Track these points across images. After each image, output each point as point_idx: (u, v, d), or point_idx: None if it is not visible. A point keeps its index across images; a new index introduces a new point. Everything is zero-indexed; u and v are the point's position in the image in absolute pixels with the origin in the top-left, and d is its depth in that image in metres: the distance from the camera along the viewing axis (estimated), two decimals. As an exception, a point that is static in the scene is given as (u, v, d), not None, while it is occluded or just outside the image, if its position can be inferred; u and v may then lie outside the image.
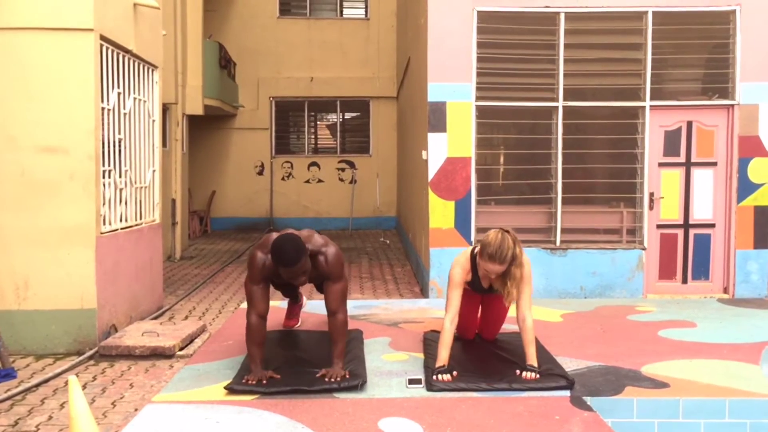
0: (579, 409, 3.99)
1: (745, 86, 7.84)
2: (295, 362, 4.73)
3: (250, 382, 4.28)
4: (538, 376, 4.34)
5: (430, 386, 4.30)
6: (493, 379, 4.34)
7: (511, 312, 4.83)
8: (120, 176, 7.07)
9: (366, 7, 17.58)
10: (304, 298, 6.02)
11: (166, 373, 5.71)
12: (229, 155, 17.28)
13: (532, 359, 4.44)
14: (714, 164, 8.02)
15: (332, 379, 4.30)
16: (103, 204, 6.58)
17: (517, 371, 4.42)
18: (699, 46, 8.14)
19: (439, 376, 4.33)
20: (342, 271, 4.60)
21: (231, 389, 4.25)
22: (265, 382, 4.27)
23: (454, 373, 4.38)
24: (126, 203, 7.21)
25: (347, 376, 4.34)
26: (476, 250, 4.64)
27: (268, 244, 4.43)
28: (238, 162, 17.28)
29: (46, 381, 5.49)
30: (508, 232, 4.47)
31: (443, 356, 4.42)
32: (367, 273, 10.79)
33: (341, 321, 4.52)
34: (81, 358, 6.06)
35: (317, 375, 4.37)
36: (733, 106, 7.91)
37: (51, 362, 6.04)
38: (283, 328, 5.77)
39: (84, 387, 5.32)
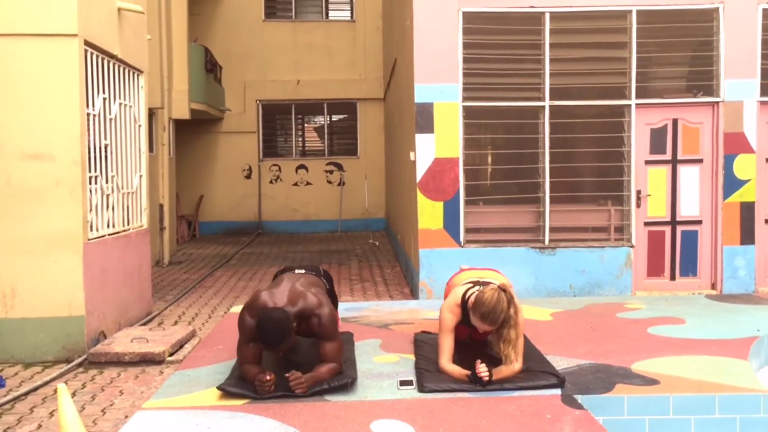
0: (570, 408, 4.01)
1: (729, 83, 7.89)
2: (286, 366, 4.72)
3: (266, 387, 4.18)
4: (488, 378, 4.27)
5: (422, 387, 4.30)
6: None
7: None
8: (107, 182, 7.04)
9: (352, 9, 17.58)
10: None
11: (156, 379, 5.69)
12: (217, 159, 17.23)
13: (500, 370, 4.37)
14: (700, 161, 8.07)
15: (292, 380, 4.19)
16: (90, 210, 6.55)
17: (478, 360, 4.35)
18: (683, 43, 8.19)
19: (482, 372, 4.25)
20: (336, 331, 4.47)
21: (224, 390, 4.23)
22: (270, 378, 4.20)
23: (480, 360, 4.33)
24: (113, 209, 7.17)
25: (302, 383, 4.23)
26: (468, 296, 4.52)
27: (255, 308, 4.31)
28: (225, 166, 17.23)
29: (35, 389, 5.46)
30: (504, 291, 4.34)
31: (461, 371, 4.39)
32: (357, 275, 10.79)
33: (335, 368, 4.41)
34: (70, 365, 6.02)
35: (286, 374, 4.26)
36: (717, 103, 7.96)
37: (40, 370, 6.00)
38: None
39: (73, 395, 5.29)
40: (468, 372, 4.36)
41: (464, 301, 4.56)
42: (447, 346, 4.56)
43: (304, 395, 4.19)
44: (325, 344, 4.41)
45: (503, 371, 4.37)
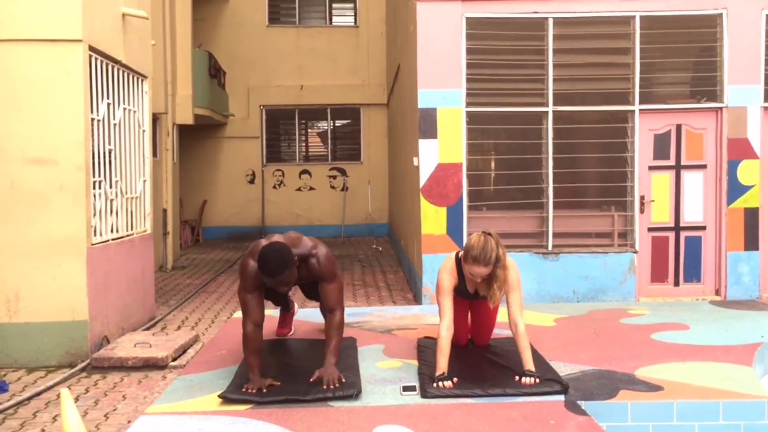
0: (574, 414, 3.99)
1: (733, 89, 7.88)
2: (288, 371, 4.71)
3: (250, 390, 4.25)
4: (538, 380, 4.33)
5: (425, 393, 4.29)
6: (487, 385, 4.33)
7: (504, 317, 4.82)
8: (110, 187, 7.05)
9: (355, 15, 17.61)
10: (296, 306, 6.01)
11: (159, 384, 5.68)
12: (220, 164, 17.25)
13: (529, 364, 4.43)
14: (704, 167, 8.06)
15: (328, 385, 4.26)
16: (94, 215, 6.56)
17: (516, 377, 4.41)
18: (687, 49, 8.19)
19: (440, 384, 4.31)
20: (335, 270, 4.64)
21: (225, 398, 4.23)
22: (265, 390, 4.25)
23: (455, 380, 4.36)
24: (117, 214, 7.18)
25: (342, 379, 4.32)
26: (460, 254, 4.69)
27: (257, 252, 4.43)
28: (229, 171, 17.26)
29: (38, 394, 5.46)
30: (490, 234, 4.54)
31: (442, 364, 4.40)
32: (360, 280, 10.78)
33: (339, 319, 4.58)
34: (73, 370, 6.02)
35: (311, 379, 4.35)
36: (721, 108, 7.95)
37: (43, 375, 6.00)
38: (275, 337, 5.75)
39: (76, 399, 5.29)
40: (444, 370, 4.35)
41: (458, 260, 4.71)
42: (447, 308, 4.59)
43: (308, 399, 4.18)
44: (325, 286, 4.57)
45: (526, 358, 4.43)
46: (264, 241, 4.54)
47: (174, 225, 12.75)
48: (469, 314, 5.11)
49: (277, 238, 4.63)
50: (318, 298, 4.82)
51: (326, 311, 4.61)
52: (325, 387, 4.28)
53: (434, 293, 7.72)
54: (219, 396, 4.26)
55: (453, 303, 4.66)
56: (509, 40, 7.92)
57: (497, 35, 7.89)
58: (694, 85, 8.22)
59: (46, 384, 5.64)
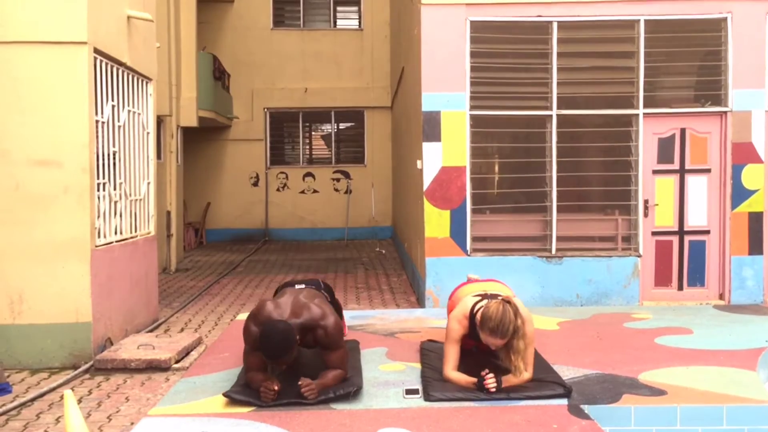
0: (577, 418, 3.99)
1: (738, 93, 7.87)
2: (291, 374, 4.71)
3: (270, 395, 4.20)
4: (494, 388, 4.28)
5: (428, 396, 4.29)
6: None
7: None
8: (115, 189, 7.06)
9: (359, 18, 17.63)
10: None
11: (162, 386, 5.69)
12: (224, 167, 17.27)
13: (518, 371, 4.38)
14: (708, 171, 8.04)
15: (307, 389, 4.21)
16: (98, 217, 6.57)
17: (485, 371, 4.35)
18: (691, 53, 8.19)
19: (489, 382, 4.26)
20: (341, 340, 4.50)
21: (229, 397, 4.23)
22: (276, 387, 4.21)
23: (487, 370, 4.34)
24: (121, 216, 7.20)
25: (312, 389, 4.25)
26: (476, 310, 4.53)
27: (261, 318, 4.33)
28: (233, 173, 17.27)
29: (42, 395, 5.46)
30: (509, 303, 4.36)
31: (467, 379, 4.39)
32: (363, 283, 10.78)
33: (340, 374, 4.45)
34: (76, 371, 6.03)
35: (299, 382, 4.29)
36: (725, 113, 7.94)
37: (46, 376, 6.01)
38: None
39: (80, 401, 5.29)
40: (474, 379, 4.35)
41: (472, 314, 4.55)
42: (452, 355, 4.55)
43: (311, 402, 4.19)
44: (330, 354, 4.43)
45: (512, 380, 4.36)
46: (270, 306, 4.41)
47: (178, 227, 12.76)
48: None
49: (284, 305, 4.46)
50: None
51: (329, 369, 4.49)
52: (303, 389, 4.21)
53: (437, 296, 7.76)
54: (223, 394, 4.27)
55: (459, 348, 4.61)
56: (513, 44, 7.92)
57: (501, 39, 7.89)
58: (699, 89, 8.21)
59: (49, 385, 5.65)
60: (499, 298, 4.43)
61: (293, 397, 4.23)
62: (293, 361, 4.33)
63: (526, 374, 4.41)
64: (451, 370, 4.51)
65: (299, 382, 4.25)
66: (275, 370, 4.52)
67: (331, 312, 4.50)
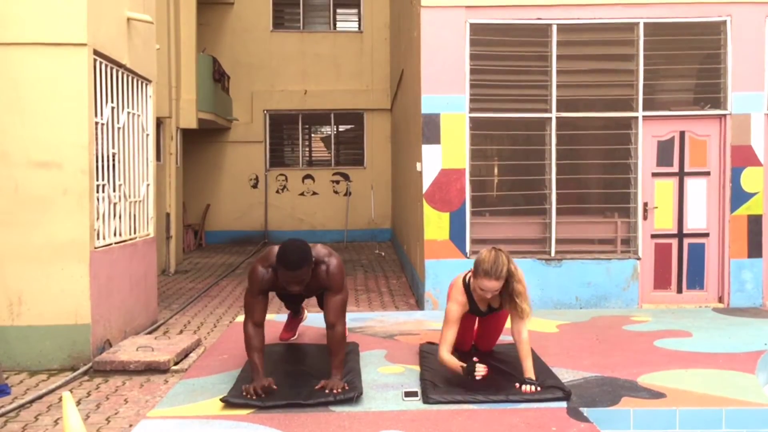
0: (576, 421, 3.98)
1: (737, 96, 7.88)
2: (291, 375, 4.72)
3: (251, 390, 4.24)
4: (539, 388, 4.33)
5: (427, 399, 4.28)
6: (489, 391, 4.33)
7: (508, 322, 4.82)
8: (114, 190, 7.06)
9: (359, 20, 17.65)
10: (306, 313, 6.01)
11: (161, 388, 5.68)
12: (224, 168, 17.27)
13: (529, 372, 4.44)
14: (707, 174, 8.05)
15: (331, 390, 4.28)
16: (97, 218, 6.57)
17: (516, 384, 4.40)
18: (690, 56, 8.19)
19: (476, 373, 4.28)
20: (343, 282, 4.60)
21: (227, 402, 4.23)
22: (263, 395, 4.23)
23: (475, 359, 4.38)
24: (120, 217, 7.20)
25: (347, 388, 4.33)
26: (467, 276, 4.63)
27: (269, 258, 4.44)
28: (232, 175, 17.27)
29: (40, 397, 5.46)
30: (500, 249, 4.46)
31: (458, 363, 4.41)
32: (363, 285, 10.78)
33: (340, 333, 4.52)
34: (75, 373, 6.03)
35: (316, 387, 4.36)
36: (725, 115, 7.95)
37: (45, 378, 6.01)
38: (279, 341, 5.76)
39: (78, 403, 5.29)
40: (463, 364, 4.36)
41: (466, 284, 4.63)
42: (449, 337, 4.58)
43: (310, 404, 4.19)
44: (330, 296, 4.53)
45: (527, 366, 4.44)
46: (276, 248, 4.50)
47: (177, 229, 12.76)
48: (477, 323, 5.08)
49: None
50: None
51: (328, 325, 4.55)
52: (327, 391, 4.28)
53: (437, 299, 7.75)
54: (221, 400, 4.26)
55: (462, 320, 4.65)
56: (513, 46, 7.93)
57: (501, 41, 7.90)
58: (698, 92, 8.22)
59: (48, 387, 5.65)
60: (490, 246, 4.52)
61: (292, 399, 4.23)
62: (301, 287, 4.38)
63: (525, 332, 4.52)
64: (445, 351, 4.53)
65: (318, 387, 4.34)
66: (279, 367, 4.54)
67: (335, 255, 4.66)
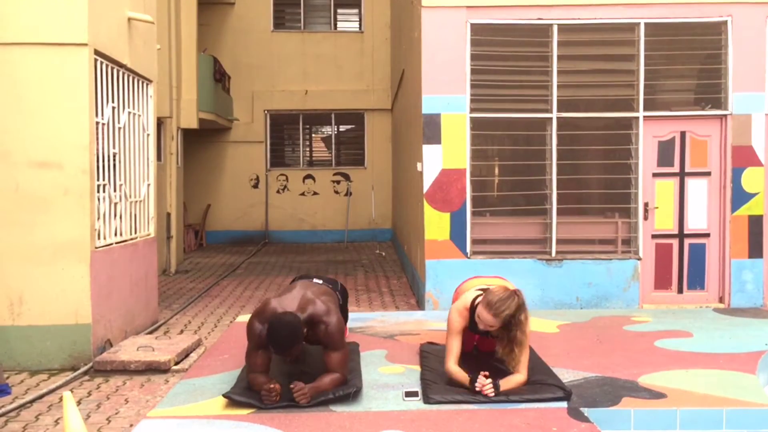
0: (576, 421, 3.99)
1: (738, 96, 7.88)
2: (291, 376, 4.71)
3: (273, 397, 4.19)
4: (491, 394, 4.26)
5: (427, 399, 4.28)
6: (490, 391, 4.32)
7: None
8: (115, 190, 7.06)
9: (360, 21, 17.65)
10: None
11: (161, 388, 5.69)
12: (224, 168, 17.27)
13: (507, 385, 4.37)
14: (708, 174, 8.04)
15: (296, 391, 4.19)
16: (98, 218, 6.57)
17: (482, 373, 4.35)
18: (691, 56, 8.19)
19: (480, 384, 4.26)
20: (342, 341, 4.49)
21: (229, 398, 4.23)
22: (274, 386, 4.20)
23: (486, 373, 4.34)
24: (121, 217, 7.20)
25: (305, 393, 4.22)
26: (476, 302, 4.56)
27: (266, 316, 4.32)
28: (233, 175, 17.27)
29: (41, 397, 5.46)
30: (517, 294, 4.39)
31: (464, 376, 4.39)
32: (363, 285, 10.78)
33: (339, 378, 4.42)
34: (76, 373, 6.03)
35: (291, 386, 4.26)
36: (725, 116, 7.95)
37: (46, 378, 6.01)
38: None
39: (79, 403, 5.29)
40: (468, 377, 4.35)
41: (473, 306, 4.57)
42: (454, 348, 4.57)
43: (308, 405, 4.18)
44: (330, 354, 4.42)
45: (511, 381, 4.37)
46: (275, 303, 4.41)
47: (178, 229, 12.76)
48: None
49: (290, 300, 4.47)
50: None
51: (328, 372, 4.45)
52: (295, 392, 4.18)
53: (437, 299, 7.76)
54: (224, 395, 4.26)
55: (461, 341, 4.63)
56: (514, 47, 7.93)
57: (502, 41, 7.90)
58: (699, 92, 8.21)
59: (48, 387, 5.65)
60: (512, 289, 4.47)
61: (293, 400, 4.22)
62: (299, 355, 4.33)
63: (522, 375, 4.42)
64: (452, 363, 4.52)
65: (291, 386, 4.23)
66: (284, 361, 4.51)
67: (336, 311, 4.50)
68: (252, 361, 4.38)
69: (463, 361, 4.89)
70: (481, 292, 4.65)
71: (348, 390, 4.26)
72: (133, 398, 5.44)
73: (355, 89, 17.28)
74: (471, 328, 4.69)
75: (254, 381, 4.35)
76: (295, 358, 4.37)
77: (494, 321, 4.34)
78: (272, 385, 4.21)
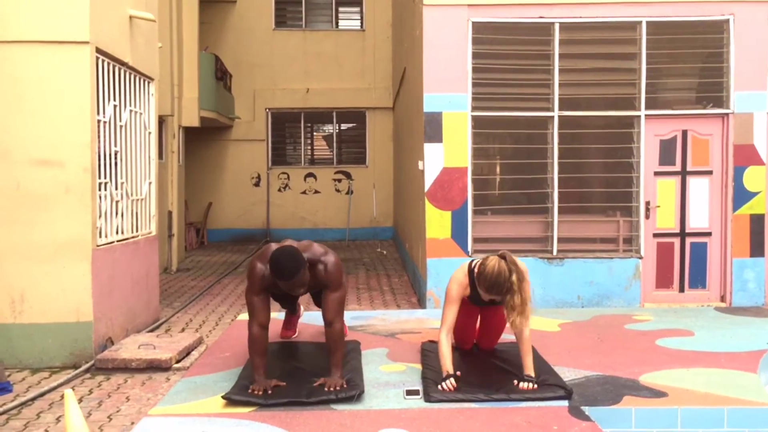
0: (577, 419, 3.98)
1: (739, 95, 7.87)
2: (292, 373, 4.72)
3: (256, 392, 4.26)
4: (536, 386, 4.33)
5: (428, 397, 4.28)
6: (491, 390, 4.33)
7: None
8: (116, 188, 7.07)
9: (362, 19, 17.64)
10: (302, 309, 6.02)
11: (162, 385, 5.69)
12: (226, 167, 17.28)
13: (529, 369, 4.43)
14: (709, 173, 8.04)
15: (331, 389, 4.29)
16: (99, 216, 6.57)
17: (515, 381, 4.40)
18: (693, 55, 8.18)
19: (444, 385, 4.30)
20: (341, 279, 4.59)
21: (229, 399, 4.23)
22: (270, 392, 4.26)
23: (458, 373, 4.36)
24: (122, 215, 7.20)
25: (345, 386, 4.33)
26: (474, 266, 4.60)
27: (267, 255, 4.42)
28: (234, 173, 17.28)
29: (42, 395, 5.47)
30: (504, 258, 4.41)
31: (447, 366, 4.41)
32: (364, 283, 10.78)
33: (338, 330, 4.51)
34: (77, 371, 6.04)
35: (315, 384, 4.36)
36: (727, 114, 7.94)
37: (47, 376, 6.02)
38: (280, 339, 5.76)
39: (80, 400, 5.30)
40: (449, 370, 4.37)
41: (471, 270, 4.63)
42: (449, 316, 4.59)
43: (311, 402, 4.19)
44: (328, 294, 4.53)
45: (527, 360, 4.45)
46: (274, 245, 4.53)
47: (179, 227, 12.77)
48: (479, 319, 5.08)
49: (289, 242, 4.61)
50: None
51: (326, 323, 4.54)
52: (326, 389, 4.29)
53: (438, 297, 7.75)
54: (223, 397, 4.27)
55: (463, 308, 4.66)
56: (515, 45, 7.92)
57: (503, 40, 7.89)
58: (701, 90, 8.20)
59: (50, 385, 5.66)
60: (498, 253, 4.49)
61: (293, 397, 4.23)
62: (305, 288, 4.40)
63: (527, 331, 4.48)
64: (445, 333, 4.52)
65: (317, 383, 4.34)
66: (280, 366, 4.53)
67: (332, 252, 4.64)
68: (253, 306, 4.44)
69: (463, 361, 4.90)
70: (473, 260, 4.70)
71: (351, 393, 4.27)
72: (134, 396, 5.45)
73: (356, 87, 17.28)
74: (473, 300, 4.69)
75: (256, 364, 4.40)
76: (299, 293, 4.43)
77: (500, 297, 4.42)
78: (270, 382, 4.28)
